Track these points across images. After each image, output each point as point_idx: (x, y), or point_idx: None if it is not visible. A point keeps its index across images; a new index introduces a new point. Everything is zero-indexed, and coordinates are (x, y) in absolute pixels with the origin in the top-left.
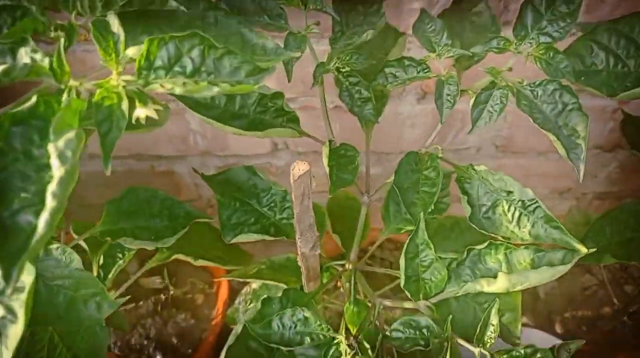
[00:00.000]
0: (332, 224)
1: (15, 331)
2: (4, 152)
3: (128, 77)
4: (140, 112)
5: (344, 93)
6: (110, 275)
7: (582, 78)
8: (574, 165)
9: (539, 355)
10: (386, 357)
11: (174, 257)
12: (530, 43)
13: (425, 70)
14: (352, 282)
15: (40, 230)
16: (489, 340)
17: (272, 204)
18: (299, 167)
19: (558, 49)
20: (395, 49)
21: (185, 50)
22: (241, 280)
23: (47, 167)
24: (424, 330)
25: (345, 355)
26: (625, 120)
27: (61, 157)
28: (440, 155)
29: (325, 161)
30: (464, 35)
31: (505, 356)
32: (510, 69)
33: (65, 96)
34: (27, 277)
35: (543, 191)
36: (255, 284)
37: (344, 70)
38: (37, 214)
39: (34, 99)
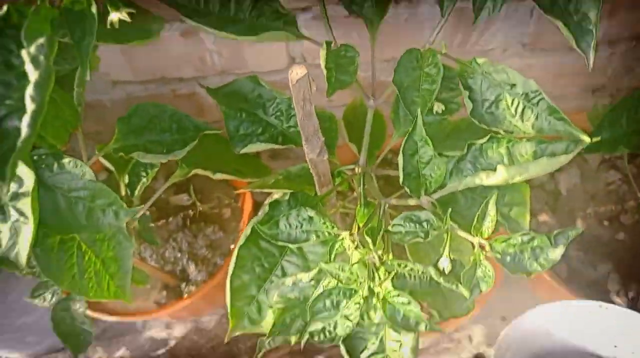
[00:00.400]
0: (348, 133)
1: (28, 230)
2: None
3: None
4: (114, 16)
5: None
6: (136, 192)
7: None
8: (584, 54)
9: (536, 241)
10: (389, 250)
11: (193, 171)
12: None
13: None
14: (362, 185)
15: (24, 132)
16: (486, 230)
17: (279, 113)
18: (296, 71)
19: None
20: None
21: None
22: (262, 191)
23: (24, 74)
24: (424, 224)
25: (349, 249)
26: None
27: (34, 62)
28: (444, 51)
29: (322, 63)
30: None
31: (503, 243)
32: None
33: (37, 2)
34: (28, 181)
35: (574, 90)
36: (276, 195)
37: None
38: (20, 118)
39: (5, 8)
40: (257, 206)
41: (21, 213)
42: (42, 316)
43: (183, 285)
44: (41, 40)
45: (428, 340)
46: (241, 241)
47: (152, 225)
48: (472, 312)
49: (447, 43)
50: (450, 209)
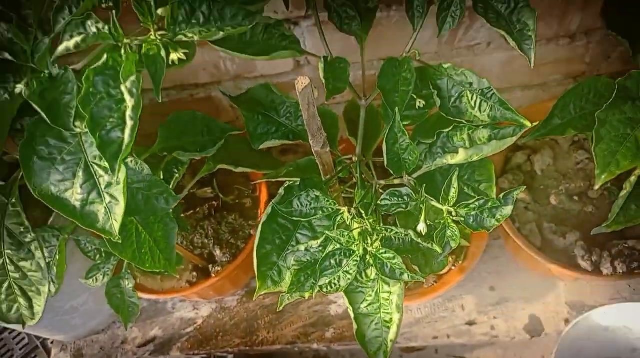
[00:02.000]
0: (348, 128)
1: (119, 209)
2: (94, 94)
3: (162, 32)
4: (174, 56)
5: (333, 14)
6: (170, 185)
7: None
8: (526, 55)
9: (490, 203)
10: (380, 220)
11: (218, 167)
12: None
13: None
14: (359, 171)
15: (127, 139)
16: (452, 199)
17: (289, 114)
18: (301, 82)
19: None
20: None
21: (197, 7)
22: (276, 181)
23: (123, 100)
24: (405, 197)
25: (347, 220)
26: (607, 1)
27: (130, 92)
28: (418, 57)
29: (321, 74)
30: None
31: (465, 208)
32: None
33: (123, 52)
34: (122, 174)
35: (557, 77)
36: (288, 183)
37: None
38: (123, 130)
39: (104, 56)
40: (272, 196)
41: (113, 197)
42: (88, 300)
43: (210, 266)
44: (133, 78)
45: (425, 310)
46: (264, 218)
47: (182, 215)
48: (459, 279)
49: (437, 40)
50: (425, 185)
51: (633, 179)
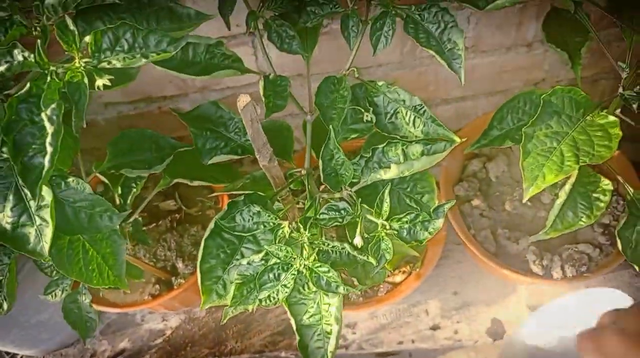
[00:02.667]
0: (313, 141)
1: (49, 231)
2: (17, 121)
3: (87, 59)
4: (99, 82)
5: (273, 34)
6: (128, 201)
7: None
8: (456, 73)
9: (421, 216)
10: (322, 233)
11: (175, 181)
12: None
13: (337, 7)
14: (307, 184)
15: (47, 165)
16: (385, 213)
17: (237, 130)
18: (242, 100)
19: None
20: None
21: (120, 35)
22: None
23: (44, 127)
24: (342, 211)
25: (287, 234)
26: (549, 14)
27: (51, 120)
28: (356, 75)
29: (262, 92)
30: None
31: (398, 222)
32: None
33: (48, 79)
34: (48, 197)
35: (518, 83)
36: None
37: (270, 16)
38: (44, 157)
39: (28, 84)
40: None
41: (43, 220)
42: (53, 314)
43: (174, 278)
44: (53, 105)
45: (390, 316)
46: (206, 233)
47: (145, 228)
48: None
49: (399, 50)
50: (366, 197)
51: (567, 187)
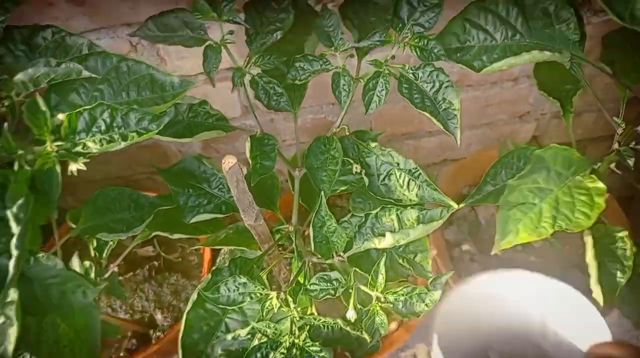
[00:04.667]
0: (301, 194)
1: (14, 330)
2: None
3: (60, 143)
4: (73, 167)
5: (260, 91)
6: (104, 254)
7: (458, 54)
8: (452, 134)
9: (417, 289)
10: (312, 303)
11: (153, 233)
12: (407, 34)
13: (326, 64)
14: (295, 243)
15: (12, 270)
16: (380, 285)
17: (221, 186)
18: (228, 161)
19: (429, 36)
20: (309, 41)
21: (98, 115)
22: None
23: (10, 227)
24: (334, 282)
25: (275, 307)
26: (540, 62)
27: (16, 219)
28: (347, 133)
29: (248, 154)
30: (367, 18)
31: (394, 294)
32: (393, 57)
33: (16, 167)
34: (14, 295)
35: (503, 116)
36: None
37: (257, 73)
38: (9, 259)
39: None
40: (215, 253)
41: (8, 318)
42: None
43: (151, 331)
44: (20, 201)
45: None
46: (189, 306)
47: (121, 278)
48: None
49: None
50: (359, 262)
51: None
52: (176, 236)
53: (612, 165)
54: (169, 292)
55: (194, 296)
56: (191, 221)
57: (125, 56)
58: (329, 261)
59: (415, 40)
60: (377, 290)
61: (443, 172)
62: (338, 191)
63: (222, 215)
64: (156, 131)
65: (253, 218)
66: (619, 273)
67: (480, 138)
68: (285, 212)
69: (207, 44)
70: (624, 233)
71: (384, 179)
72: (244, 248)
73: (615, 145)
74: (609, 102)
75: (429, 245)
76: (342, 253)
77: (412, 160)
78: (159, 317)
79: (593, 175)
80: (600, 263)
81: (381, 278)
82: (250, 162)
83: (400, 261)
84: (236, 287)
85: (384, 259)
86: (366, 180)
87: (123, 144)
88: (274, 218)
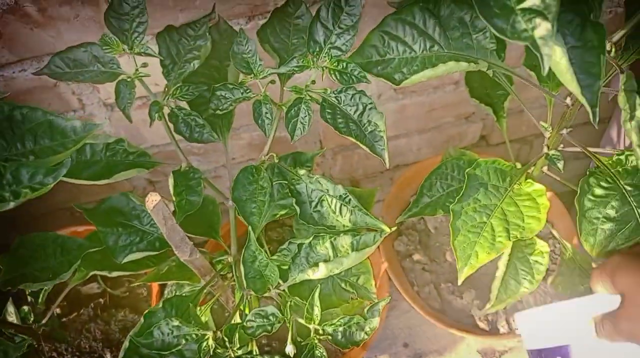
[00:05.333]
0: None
1: None
2: None
3: None
4: None
5: (181, 124)
6: (40, 299)
7: (379, 68)
8: (380, 157)
9: (355, 318)
10: (254, 343)
11: (90, 273)
12: (325, 58)
13: (247, 92)
14: (235, 275)
15: None
16: (316, 317)
17: (153, 222)
18: (151, 199)
19: (347, 59)
20: (232, 66)
21: None
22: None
23: None
24: (270, 317)
25: (210, 349)
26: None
27: None
28: (276, 160)
29: (172, 190)
30: (289, 40)
31: (332, 326)
32: (314, 82)
33: None
34: None
35: (449, 119)
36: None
37: (176, 105)
38: None
39: None
40: (163, 285)
41: None
42: None
43: None
44: None
45: None
46: (121, 354)
47: (65, 319)
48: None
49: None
50: (289, 303)
51: (504, 257)
52: (115, 274)
53: (545, 168)
54: (118, 330)
55: (126, 344)
56: (124, 261)
57: (18, 104)
58: (268, 294)
59: (334, 64)
60: (314, 323)
61: (394, 180)
62: (277, 216)
63: (156, 252)
64: (53, 183)
65: (187, 253)
66: (525, 284)
67: (429, 142)
68: (228, 241)
69: (119, 78)
70: (545, 248)
71: (316, 206)
72: (185, 281)
73: (545, 149)
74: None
75: (370, 267)
76: (280, 285)
77: (341, 186)
78: (108, 356)
79: (529, 180)
80: (511, 267)
81: (317, 311)
82: (174, 199)
83: (343, 285)
84: (170, 330)
85: (318, 291)
86: (297, 209)
87: (14, 203)
88: (218, 247)
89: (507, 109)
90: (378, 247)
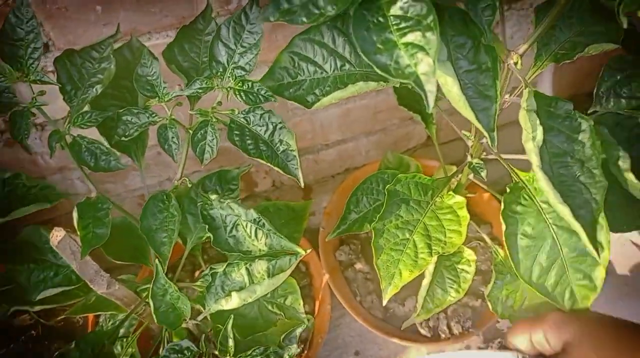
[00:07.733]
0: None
1: None
2: None
3: None
4: None
5: (85, 153)
6: None
7: (291, 90)
8: (294, 176)
9: (271, 349)
10: None
11: (12, 309)
12: (229, 78)
13: (153, 115)
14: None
15: None
16: (231, 349)
17: None
18: (56, 235)
19: (253, 80)
20: None
21: None
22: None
23: None
24: (185, 351)
25: None
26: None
27: None
28: (189, 184)
29: (76, 224)
30: (200, 59)
31: (247, 356)
32: (220, 103)
33: None
34: None
35: (395, 121)
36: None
37: (77, 134)
38: None
39: None
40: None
41: None
42: None
43: None
44: None
45: None
46: None
47: None
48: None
49: (269, 105)
50: (204, 335)
51: (431, 267)
52: (37, 308)
53: (471, 176)
54: None
55: None
56: (38, 298)
57: None
58: (184, 325)
59: (239, 85)
60: (229, 355)
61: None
62: (204, 238)
63: (72, 287)
64: None
65: (104, 286)
66: (452, 293)
67: (377, 144)
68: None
69: (14, 109)
70: (471, 256)
71: (231, 231)
72: (113, 312)
73: (468, 158)
74: None
75: (297, 287)
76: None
77: (253, 210)
78: None
79: (450, 192)
80: (438, 275)
81: (231, 343)
82: (79, 233)
83: (270, 307)
84: None
85: (231, 321)
86: (211, 235)
87: None
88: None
89: (435, 115)
90: (319, 257)
